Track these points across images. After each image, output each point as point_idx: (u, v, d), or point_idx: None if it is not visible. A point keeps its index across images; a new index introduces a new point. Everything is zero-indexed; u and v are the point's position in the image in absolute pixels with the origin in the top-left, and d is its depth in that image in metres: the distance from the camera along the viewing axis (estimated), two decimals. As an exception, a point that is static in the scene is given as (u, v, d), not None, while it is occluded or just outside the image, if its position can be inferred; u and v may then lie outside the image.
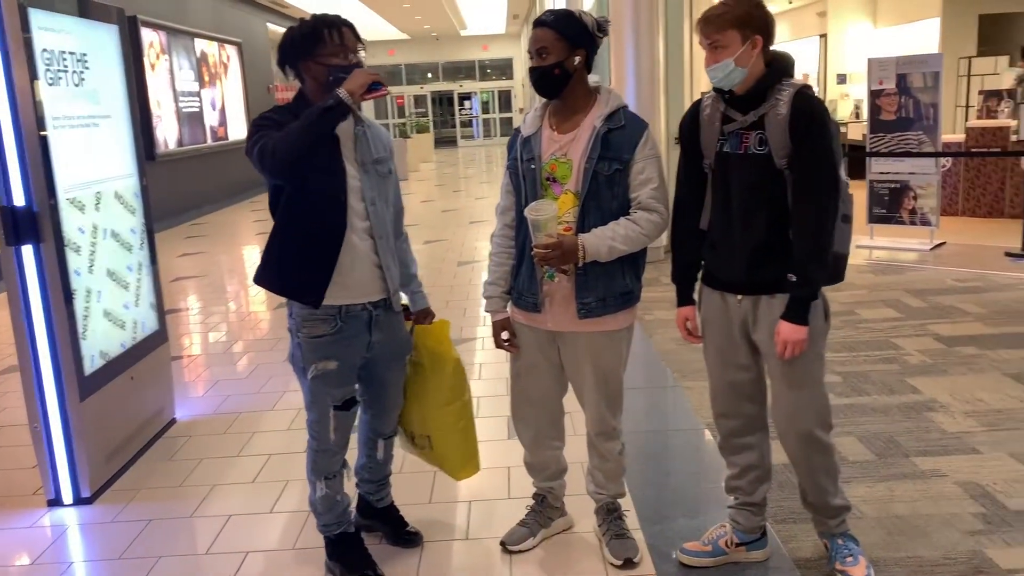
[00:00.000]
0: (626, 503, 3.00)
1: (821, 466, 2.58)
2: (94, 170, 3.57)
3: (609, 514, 2.85)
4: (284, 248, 2.55)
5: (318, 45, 2.44)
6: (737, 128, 2.44)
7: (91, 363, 3.45)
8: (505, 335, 2.75)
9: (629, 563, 2.73)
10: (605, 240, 2.50)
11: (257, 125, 2.43)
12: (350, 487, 2.85)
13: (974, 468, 3.34)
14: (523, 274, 2.67)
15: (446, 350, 2.84)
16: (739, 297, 2.51)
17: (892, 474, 3.33)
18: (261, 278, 2.61)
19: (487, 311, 2.77)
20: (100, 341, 3.54)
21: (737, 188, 2.46)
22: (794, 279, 2.38)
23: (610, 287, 2.59)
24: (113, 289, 3.69)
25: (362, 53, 2.54)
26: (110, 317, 3.65)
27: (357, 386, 2.76)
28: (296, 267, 2.52)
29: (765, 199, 2.42)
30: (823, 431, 2.54)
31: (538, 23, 2.55)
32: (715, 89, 2.49)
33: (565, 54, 2.51)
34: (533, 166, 2.59)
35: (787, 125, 2.33)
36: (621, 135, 2.54)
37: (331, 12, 2.50)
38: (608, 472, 2.82)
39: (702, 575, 2.70)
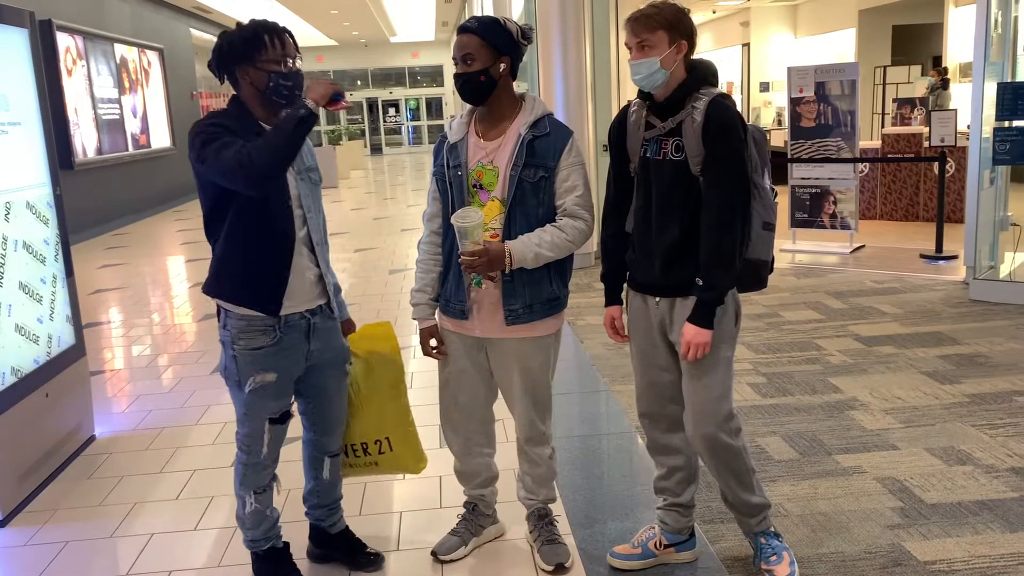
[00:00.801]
0: (557, 508, 3.01)
1: (729, 468, 2.58)
2: (3, 179, 3.44)
3: (540, 519, 2.85)
4: (238, 257, 2.47)
5: (259, 51, 2.39)
6: (656, 135, 2.47)
7: (2, 380, 3.31)
8: (433, 342, 2.74)
9: (560, 568, 2.73)
10: (531, 247, 2.51)
11: (209, 132, 2.33)
12: (293, 511, 2.79)
13: (893, 464, 3.45)
14: (450, 281, 2.67)
15: (393, 347, 2.85)
16: (657, 299, 2.56)
17: (815, 472, 3.42)
18: (213, 288, 2.52)
19: (414, 318, 2.74)
20: (11, 356, 3.40)
21: (656, 193, 2.50)
22: (700, 283, 2.43)
23: (537, 294, 2.60)
24: (25, 302, 3.54)
25: (299, 62, 2.50)
26: (22, 331, 3.50)
27: (296, 403, 2.71)
28: (252, 275, 2.46)
29: (680, 204, 2.46)
30: (727, 435, 2.53)
31: (463, 29, 2.54)
32: (639, 94, 2.53)
33: (490, 61, 2.51)
34: (460, 172, 2.59)
35: (700, 132, 2.38)
36: (546, 142, 2.56)
37: (260, 18, 2.45)
38: (539, 477, 2.82)
39: (633, 578, 2.73)
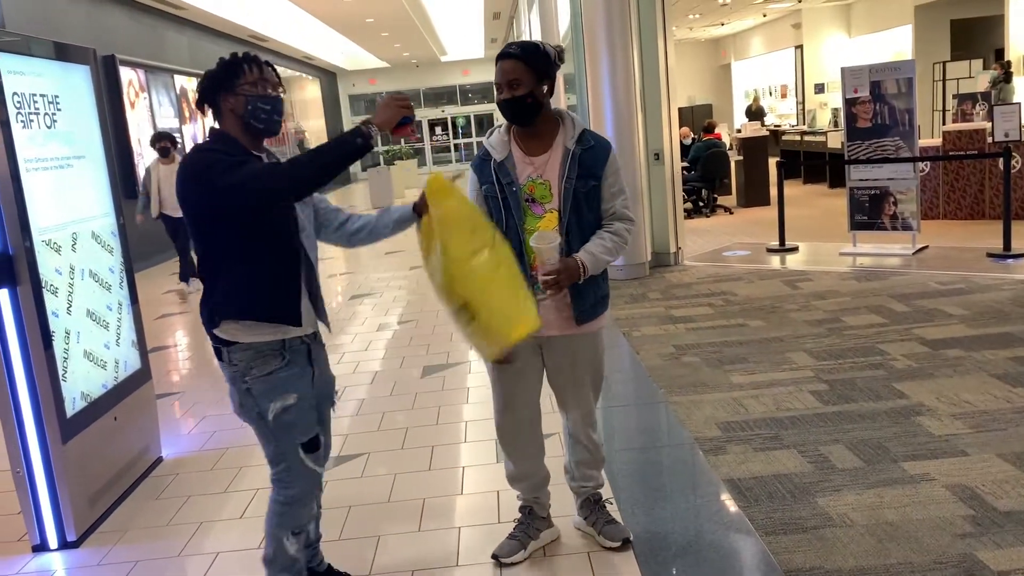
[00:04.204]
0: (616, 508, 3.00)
1: None
2: (69, 211, 3.57)
3: (595, 504, 2.99)
4: (253, 275, 2.44)
5: (238, 76, 2.44)
6: None
7: (73, 405, 3.43)
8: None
9: (627, 543, 2.91)
10: (599, 256, 2.67)
11: (209, 158, 2.36)
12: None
13: (963, 471, 3.34)
14: None
15: (447, 195, 2.49)
16: None
17: (881, 480, 3.33)
18: (225, 313, 2.43)
19: None
20: (81, 382, 3.52)
21: None
22: None
23: (597, 292, 2.78)
24: (93, 329, 3.66)
25: (279, 91, 2.52)
26: (91, 358, 3.62)
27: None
28: (270, 289, 2.45)
29: None
30: None
31: (507, 56, 2.64)
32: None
33: (534, 83, 2.64)
34: (514, 188, 2.70)
35: None
36: (592, 154, 2.71)
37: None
38: (593, 462, 2.96)
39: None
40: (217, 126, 2.52)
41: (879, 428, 3.83)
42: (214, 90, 2.48)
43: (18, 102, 3.24)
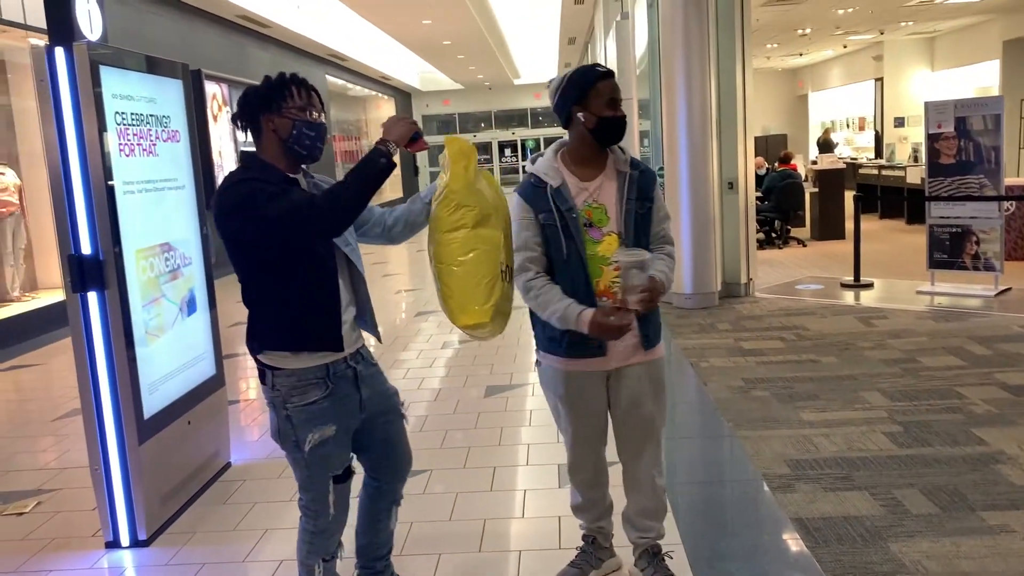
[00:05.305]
0: (679, 558, 2.95)
1: None
2: (160, 223, 3.69)
3: (654, 557, 2.86)
4: (295, 304, 2.41)
5: (285, 99, 2.38)
6: None
7: (150, 407, 3.53)
8: (613, 317, 2.53)
9: None
10: (667, 275, 2.66)
11: (249, 187, 2.30)
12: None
13: (1046, 524, 3.20)
14: None
15: (456, 160, 2.47)
16: None
17: (958, 529, 3.21)
18: (268, 343, 2.44)
19: (579, 316, 2.54)
20: (159, 386, 3.62)
21: None
22: None
23: (655, 317, 2.76)
24: (172, 334, 3.77)
25: (322, 117, 2.47)
26: (169, 362, 3.72)
27: (358, 457, 2.67)
28: (311, 318, 2.42)
29: None
30: None
31: (610, 74, 2.64)
32: None
33: None
34: (574, 215, 2.63)
35: None
36: (645, 178, 2.72)
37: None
38: (656, 511, 2.85)
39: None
40: (252, 148, 2.46)
41: (956, 474, 3.70)
42: (258, 109, 2.40)
43: (120, 120, 3.38)
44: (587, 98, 2.59)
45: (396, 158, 2.37)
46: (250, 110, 2.41)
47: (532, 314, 2.73)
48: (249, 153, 2.44)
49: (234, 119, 2.46)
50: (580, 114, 2.60)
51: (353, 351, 2.54)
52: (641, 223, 2.68)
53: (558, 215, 2.62)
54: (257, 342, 2.46)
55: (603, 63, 2.76)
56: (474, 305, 2.44)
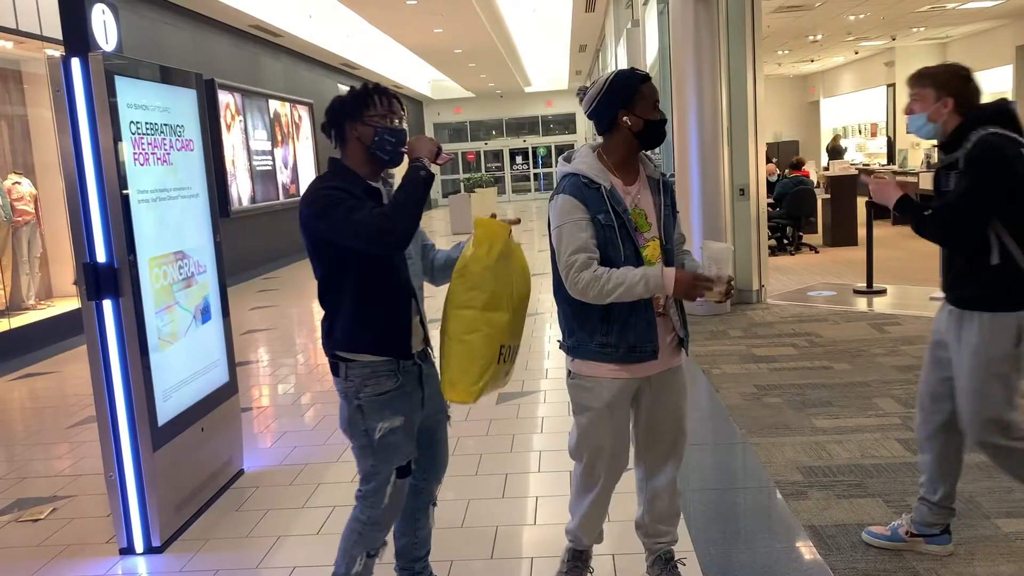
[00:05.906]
0: (692, 562, 2.94)
1: (1007, 468, 2.95)
2: (174, 232, 3.72)
3: (667, 563, 2.84)
4: (372, 311, 2.55)
5: (368, 107, 2.53)
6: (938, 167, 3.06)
7: (164, 414, 3.55)
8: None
9: None
10: None
11: (333, 196, 2.43)
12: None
13: (1062, 531, 3.18)
14: (636, 325, 2.59)
15: (479, 244, 2.58)
16: (949, 308, 3.09)
17: (972, 536, 3.19)
18: (343, 345, 2.56)
19: (659, 280, 2.48)
20: (173, 393, 3.64)
21: None
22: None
23: (686, 320, 2.76)
24: (185, 341, 3.79)
25: (404, 123, 2.63)
26: (182, 369, 3.74)
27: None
28: (387, 325, 2.56)
29: None
30: (999, 437, 2.89)
31: (650, 77, 2.64)
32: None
33: None
34: (629, 217, 2.60)
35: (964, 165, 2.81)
36: (670, 184, 2.77)
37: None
38: (672, 516, 2.85)
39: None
40: (338, 155, 2.61)
41: (971, 481, 3.67)
42: (343, 117, 2.55)
43: (135, 130, 3.41)
44: (633, 102, 2.57)
45: (433, 169, 2.52)
46: (336, 118, 2.57)
47: (576, 325, 2.65)
48: (335, 160, 2.61)
49: (323, 128, 2.61)
50: (626, 118, 2.57)
51: (419, 350, 2.66)
52: (674, 226, 2.75)
53: (615, 216, 2.56)
54: (332, 342, 2.60)
55: (615, 69, 2.73)
56: (465, 384, 2.58)
